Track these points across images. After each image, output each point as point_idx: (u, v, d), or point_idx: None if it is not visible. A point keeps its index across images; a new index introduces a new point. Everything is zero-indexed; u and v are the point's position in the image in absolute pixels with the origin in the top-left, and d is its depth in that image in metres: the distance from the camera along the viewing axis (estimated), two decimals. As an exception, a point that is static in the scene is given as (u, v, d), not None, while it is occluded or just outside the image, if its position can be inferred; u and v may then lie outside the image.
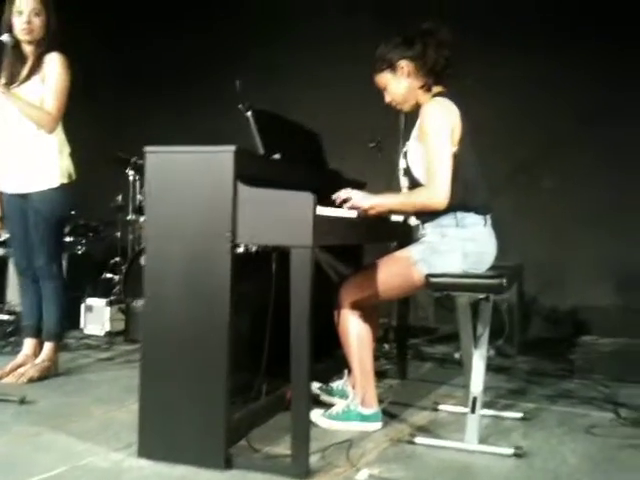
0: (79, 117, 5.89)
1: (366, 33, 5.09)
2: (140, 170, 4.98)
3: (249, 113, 2.63)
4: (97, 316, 4.76)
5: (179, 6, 6.30)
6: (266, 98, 5.62)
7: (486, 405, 3.11)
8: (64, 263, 5.02)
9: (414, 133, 2.78)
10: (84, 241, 5.93)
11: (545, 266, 5.05)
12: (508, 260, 4.51)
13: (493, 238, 2.74)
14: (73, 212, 5.22)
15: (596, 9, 4.91)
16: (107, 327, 4.73)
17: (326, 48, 5.64)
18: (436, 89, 2.75)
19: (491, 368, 3.88)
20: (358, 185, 3.60)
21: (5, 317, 4.60)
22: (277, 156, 2.62)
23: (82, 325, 4.82)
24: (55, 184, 3.37)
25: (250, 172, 2.40)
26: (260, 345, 2.62)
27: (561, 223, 5.04)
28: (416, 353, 4.31)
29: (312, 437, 2.59)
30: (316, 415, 2.83)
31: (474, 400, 2.60)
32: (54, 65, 3.36)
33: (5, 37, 3.30)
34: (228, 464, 2.33)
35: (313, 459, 2.40)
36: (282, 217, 2.22)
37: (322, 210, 2.37)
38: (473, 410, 2.59)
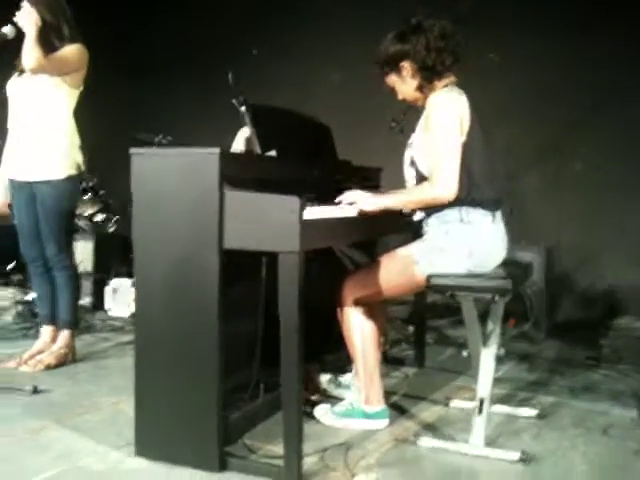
0: (107, 100, 6.01)
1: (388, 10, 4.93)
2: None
3: (243, 108, 2.52)
4: (122, 297, 4.79)
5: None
6: (283, 79, 5.65)
7: (502, 399, 3.03)
8: (91, 244, 5.14)
9: (420, 123, 2.65)
10: (115, 219, 6.00)
11: (579, 246, 4.89)
12: (539, 242, 4.41)
13: (502, 234, 2.61)
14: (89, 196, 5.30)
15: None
16: (133, 308, 4.74)
17: (346, 25, 5.51)
18: (446, 80, 2.61)
19: (515, 356, 3.79)
20: (372, 172, 3.52)
21: (31, 297, 4.65)
22: (273, 153, 2.52)
23: (107, 307, 4.85)
24: (63, 175, 3.35)
25: (241, 173, 2.33)
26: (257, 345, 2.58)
27: (594, 202, 4.87)
28: (439, 337, 4.21)
29: (314, 435, 2.59)
30: (320, 412, 2.79)
31: (481, 402, 2.51)
32: (66, 48, 3.32)
33: (7, 29, 3.26)
34: (223, 466, 2.31)
35: (311, 460, 2.37)
36: (269, 222, 2.15)
37: (316, 211, 2.28)
38: (480, 412, 2.51)
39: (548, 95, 4.89)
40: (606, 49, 4.74)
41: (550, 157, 4.95)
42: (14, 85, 3.39)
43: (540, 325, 4.16)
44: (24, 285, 5.04)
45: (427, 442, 2.56)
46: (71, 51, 3.34)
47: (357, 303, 2.66)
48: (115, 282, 4.86)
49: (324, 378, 3.09)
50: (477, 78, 4.54)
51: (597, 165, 4.84)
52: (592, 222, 4.88)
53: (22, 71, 3.37)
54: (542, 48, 4.87)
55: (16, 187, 3.46)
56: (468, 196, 2.49)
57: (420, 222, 2.71)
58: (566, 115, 4.86)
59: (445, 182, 2.45)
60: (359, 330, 2.68)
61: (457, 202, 2.48)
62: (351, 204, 2.55)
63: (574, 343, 4.09)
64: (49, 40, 3.31)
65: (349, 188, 2.66)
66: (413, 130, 2.69)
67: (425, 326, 3.78)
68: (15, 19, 3.25)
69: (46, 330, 3.61)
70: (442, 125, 2.49)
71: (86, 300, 4.93)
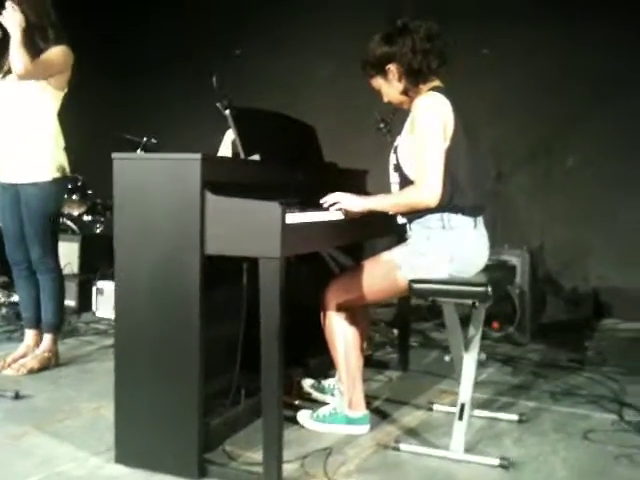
0: (93, 100, 6.00)
1: (380, 11, 4.93)
2: (152, 151, 4.94)
3: (227, 112, 2.52)
4: (108, 299, 4.76)
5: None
6: (270, 74, 5.65)
7: (483, 404, 3.04)
8: (77, 245, 5.12)
9: (406, 127, 2.65)
10: (102, 220, 5.98)
11: (565, 247, 4.92)
12: (524, 244, 4.42)
13: (484, 240, 2.61)
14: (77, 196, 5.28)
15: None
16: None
17: (334, 22, 5.51)
18: (432, 83, 2.61)
19: (497, 359, 3.81)
20: (358, 175, 3.52)
21: (16, 300, 4.62)
22: (256, 157, 2.52)
23: (94, 308, 4.83)
24: (48, 177, 3.33)
25: (224, 178, 2.32)
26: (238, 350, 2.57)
27: (580, 203, 4.88)
28: (423, 340, 4.22)
29: (295, 441, 2.59)
30: (303, 416, 2.79)
31: (462, 407, 2.52)
32: (51, 50, 3.31)
33: None
34: (202, 473, 2.31)
35: (291, 467, 2.37)
36: (250, 227, 2.15)
37: (298, 216, 2.28)
38: (460, 417, 2.51)
39: (542, 90, 4.90)
40: (604, 37, 4.70)
41: (541, 156, 4.97)
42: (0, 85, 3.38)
43: (524, 328, 4.16)
44: (9, 287, 5.02)
45: (408, 447, 2.56)
46: (56, 53, 3.32)
47: (340, 307, 2.66)
48: (101, 283, 4.84)
49: (307, 382, 3.09)
50: (469, 75, 4.60)
51: (589, 160, 4.84)
52: (577, 224, 4.91)
53: (7, 73, 3.35)
54: (536, 40, 4.85)
55: (1, 189, 3.44)
56: (451, 202, 2.49)
57: (404, 226, 2.72)
58: (560, 111, 4.86)
59: (430, 187, 2.46)
60: (341, 335, 2.68)
61: (439, 208, 2.48)
62: (335, 206, 2.55)
63: (558, 346, 4.11)
64: (33, 41, 3.29)
65: (334, 191, 2.65)
66: (400, 132, 2.69)
67: (409, 329, 3.78)
68: None
69: (30, 334, 3.59)
70: (427, 130, 2.49)
71: (71, 302, 4.92)
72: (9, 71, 3.34)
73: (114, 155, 2.33)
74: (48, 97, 3.36)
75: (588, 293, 4.93)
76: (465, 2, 5.01)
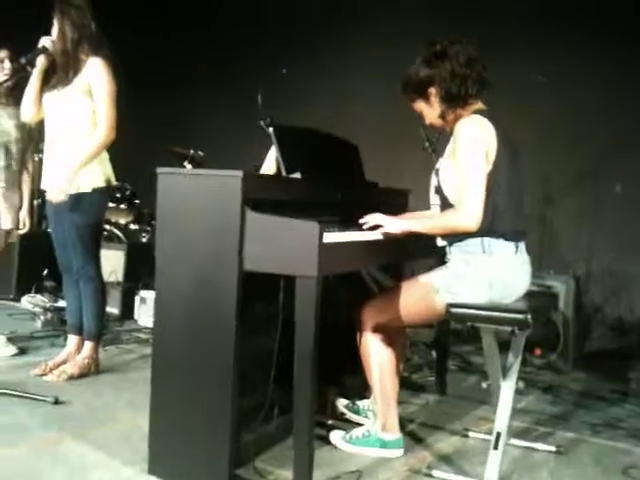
0: (143, 111, 6.13)
1: (422, 30, 4.95)
2: (198, 163, 5.01)
3: (271, 130, 2.54)
4: (150, 308, 4.82)
5: (234, 8, 6.30)
6: (315, 92, 5.69)
7: (520, 433, 2.98)
8: (123, 254, 5.21)
9: (447, 149, 2.63)
10: (148, 229, 6.08)
11: (612, 274, 4.81)
12: (570, 270, 4.34)
13: (526, 266, 2.57)
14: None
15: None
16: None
17: (380, 43, 5.52)
18: (474, 106, 2.59)
19: (538, 386, 3.73)
20: (400, 194, 3.50)
21: (61, 305, 4.73)
22: (297, 175, 2.53)
23: (136, 316, 4.90)
24: (91, 187, 3.39)
25: (264, 195, 2.33)
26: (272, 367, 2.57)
27: (628, 229, 4.76)
28: (462, 363, 4.16)
29: (327, 462, 2.58)
30: (336, 437, 2.77)
31: (497, 436, 2.47)
32: (98, 72, 3.37)
33: (46, 42, 3.35)
34: (233, 488, 2.31)
35: (320, 489, 2.35)
36: (288, 245, 2.15)
37: (337, 236, 2.28)
38: (496, 446, 2.46)
39: (590, 116, 4.83)
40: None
41: (588, 182, 4.89)
42: (48, 100, 3.46)
43: (567, 355, 4.07)
44: (55, 292, 5.13)
45: (441, 474, 2.52)
46: (107, 83, 3.39)
47: (376, 328, 2.65)
48: (144, 292, 4.91)
49: (342, 402, 3.07)
50: (518, 99, 4.57)
51: (638, 187, 4.74)
52: (624, 251, 4.79)
53: (53, 87, 3.44)
54: (583, 66, 4.81)
55: (49, 200, 3.52)
56: (491, 226, 2.46)
57: (443, 248, 2.69)
58: (608, 137, 4.78)
59: (470, 211, 2.43)
60: (377, 357, 2.66)
61: (480, 232, 2.45)
62: (375, 227, 2.54)
63: (601, 375, 4.00)
64: (75, 54, 3.38)
65: (375, 210, 2.64)
66: (442, 154, 2.68)
67: (448, 352, 3.73)
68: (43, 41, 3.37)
69: (72, 339, 3.66)
70: (469, 153, 2.47)
71: (115, 309, 5.01)
72: (55, 85, 3.43)
73: (158, 170, 2.37)
74: (92, 109, 3.42)
75: (634, 322, 4.80)
76: (513, 28, 4.98)
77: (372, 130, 5.24)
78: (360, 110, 5.64)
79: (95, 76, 3.37)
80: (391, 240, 2.55)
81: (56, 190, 3.32)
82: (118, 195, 5.84)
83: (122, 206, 5.93)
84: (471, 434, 2.95)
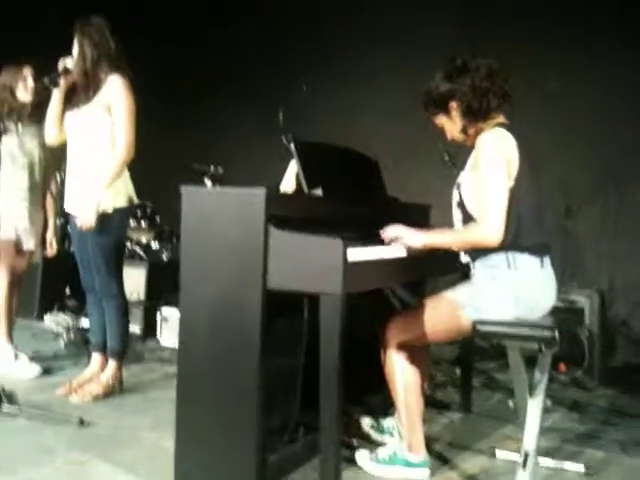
0: (162, 128, 6.18)
1: (443, 43, 4.95)
2: (219, 180, 5.02)
3: (292, 146, 2.55)
4: (172, 326, 4.83)
5: (252, 22, 6.34)
6: (335, 108, 5.69)
7: (548, 452, 2.93)
8: (144, 272, 5.22)
9: (469, 163, 2.62)
10: (169, 246, 6.10)
11: (636, 287, 4.72)
12: (593, 283, 4.28)
13: (552, 281, 2.54)
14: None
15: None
16: (179, 338, 4.79)
17: (399, 57, 5.52)
18: (495, 120, 2.58)
19: (565, 404, 3.67)
20: (421, 209, 3.48)
21: (84, 324, 4.74)
22: (319, 191, 2.52)
23: (158, 335, 4.91)
24: (111, 207, 3.40)
25: (287, 212, 2.33)
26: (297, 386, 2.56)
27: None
28: (487, 380, 4.11)
29: (353, 483, 2.54)
30: (362, 458, 2.74)
31: (526, 456, 2.43)
32: (118, 90, 3.40)
33: (68, 61, 3.41)
34: (259, 509, 2.29)
35: (347, 510, 2.32)
36: (311, 263, 2.15)
37: (360, 253, 2.27)
38: (524, 466, 2.43)
39: (609, 124, 4.76)
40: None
41: (610, 191, 4.82)
42: (69, 119, 3.50)
43: (593, 371, 4.01)
44: (78, 311, 5.16)
45: (469, 494, 2.49)
46: (127, 102, 3.41)
47: (401, 346, 2.62)
48: (165, 311, 4.91)
49: (366, 422, 3.04)
50: (535, 109, 4.53)
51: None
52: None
53: (76, 105, 3.48)
54: (601, 73, 4.74)
55: (71, 218, 3.56)
56: (515, 241, 2.44)
57: (467, 264, 2.67)
58: (628, 144, 4.71)
59: (493, 225, 2.41)
60: (402, 375, 2.64)
61: (504, 247, 2.43)
62: (396, 240, 2.53)
63: (629, 392, 3.93)
64: (94, 73, 3.41)
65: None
66: (463, 168, 2.66)
67: (472, 369, 3.69)
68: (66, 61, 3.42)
69: (96, 358, 3.67)
70: (490, 166, 2.45)
71: (137, 328, 5.01)
72: (76, 104, 3.46)
73: (183, 188, 2.38)
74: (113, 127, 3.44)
75: (662, 337, 4.72)
76: (528, 37, 4.96)
77: (390, 146, 5.22)
78: (376, 124, 5.63)
79: (114, 94, 3.40)
80: (415, 257, 2.53)
81: (85, 219, 3.34)
82: (139, 213, 5.87)
83: (143, 224, 5.96)
84: (498, 453, 2.91)
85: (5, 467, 2.60)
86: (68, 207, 3.55)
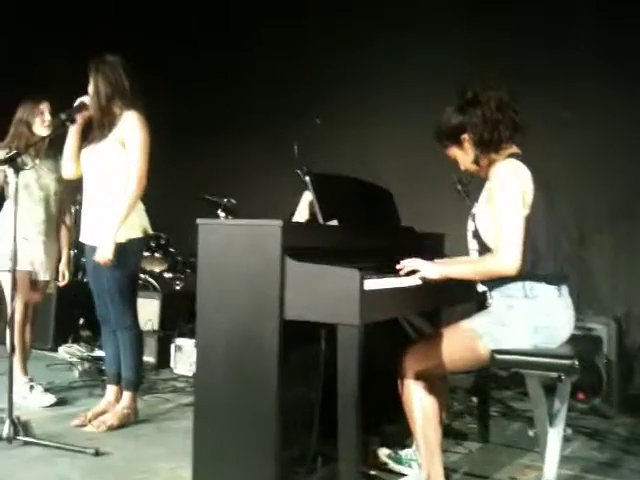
0: (176, 160, 6.25)
1: (450, 69, 5.00)
2: (231, 211, 5.06)
3: (308, 178, 2.57)
4: (186, 356, 4.83)
5: (264, 56, 6.42)
6: (348, 139, 5.74)
7: (569, 482, 2.89)
8: (158, 302, 5.24)
9: (483, 194, 2.63)
10: (182, 277, 6.12)
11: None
12: (609, 311, 4.26)
13: (570, 310, 2.53)
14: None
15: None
16: (194, 369, 4.78)
17: (409, 88, 5.56)
18: (508, 150, 2.59)
19: (584, 433, 3.63)
20: (436, 238, 3.49)
21: (98, 354, 4.75)
22: (334, 222, 2.54)
23: (172, 365, 4.90)
24: (125, 238, 3.42)
25: (303, 243, 2.35)
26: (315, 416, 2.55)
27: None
28: (505, 409, 4.07)
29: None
30: (380, 488, 2.72)
31: (546, 486, 2.40)
32: (132, 125, 3.44)
33: (84, 97, 3.46)
34: (278, 542, 2.27)
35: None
36: (329, 293, 2.16)
37: (377, 283, 2.27)
38: (545, 497, 2.40)
39: (622, 150, 4.77)
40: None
41: (623, 218, 4.81)
42: (85, 154, 3.54)
43: (612, 400, 3.97)
44: (92, 342, 5.17)
45: (489, 526, 2.46)
46: (141, 136, 3.45)
47: (418, 376, 2.61)
48: (179, 341, 4.91)
49: (384, 452, 3.01)
50: (548, 137, 4.55)
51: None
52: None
53: (92, 140, 3.52)
54: (614, 100, 4.75)
55: (86, 250, 3.59)
56: (532, 270, 2.44)
57: (484, 293, 2.66)
58: (635, 172, 4.72)
59: (509, 255, 2.41)
60: (419, 405, 2.61)
61: (521, 276, 2.43)
62: (413, 272, 2.53)
63: (648, 420, 3.89)
64: (109, 109, 3.46)
65: (412, 255, 2.63)
66: (477, 198, 2.67)
67: (489, 398, 3.66)
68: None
69: (111, 389, 3.67)
70: (505, 196, 2.46)
71: (151, 358, 5.01)
72: (92, 140, 3.51)
73: (199, 221, 2.40)
74: (126, 162, 3.47)
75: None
76: (541, 64, 4.99)
77: (403, 176, 5.24)
78: (387, 155, 5.66)
79: (129, 129, 3.44)
80: (432, 286, 2.53)
81: (102, 254, 3.36)
82: (153, 244, 5.91)
83: (157, 254, 5.99)
84: (517, 484, 2.87)
85: (22, 499, 2.60)
86: (84, 238, 3.58)
